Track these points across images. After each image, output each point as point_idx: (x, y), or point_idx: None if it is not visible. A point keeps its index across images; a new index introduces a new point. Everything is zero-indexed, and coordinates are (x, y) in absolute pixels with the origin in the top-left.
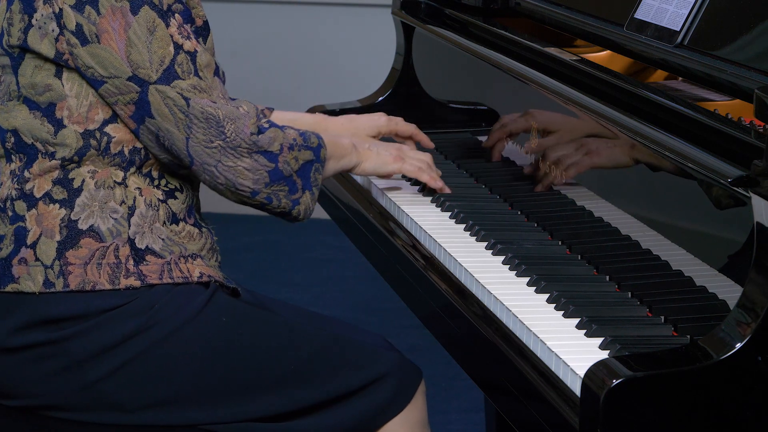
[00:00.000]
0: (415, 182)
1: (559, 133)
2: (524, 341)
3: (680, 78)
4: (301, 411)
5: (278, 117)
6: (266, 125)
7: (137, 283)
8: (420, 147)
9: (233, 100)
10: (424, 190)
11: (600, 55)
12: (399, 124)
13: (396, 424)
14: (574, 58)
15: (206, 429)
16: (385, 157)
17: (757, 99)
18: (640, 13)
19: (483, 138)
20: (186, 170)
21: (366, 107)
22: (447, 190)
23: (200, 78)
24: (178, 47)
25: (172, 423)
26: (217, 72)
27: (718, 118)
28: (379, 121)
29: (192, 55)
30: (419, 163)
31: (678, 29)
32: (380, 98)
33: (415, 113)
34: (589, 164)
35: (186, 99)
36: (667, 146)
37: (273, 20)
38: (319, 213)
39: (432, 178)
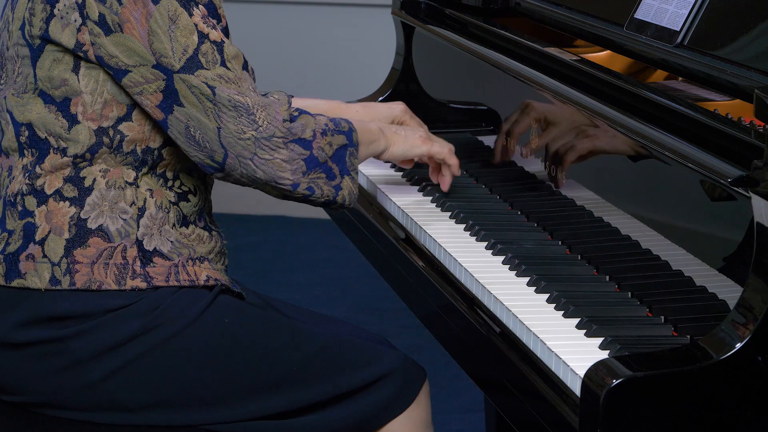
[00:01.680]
0: (415, 182)
1: (557, 124)
2: (524, 341)
3: (680, 78)
4: (304, 409)
5: (295, 103)
6: (296, 113)
7: (143, 285)
8: None
9: (264, 95)
10: (425, 189)
11: (600, 55)
12: (414, 118)
13: (399, 422)
14: (574, 58)
15: (208, 429)
16: (414, 139)
17: (757, 99)
18: (640, 13)
19: (483, 138)
20: (217, 171)
21: None
22: (458, 173)
23: (227, 68)
24: (203, 36)
25: (173, 423)
26: (245, 66)
27: (718, 118)
28: (396, 110)
29: (218, 45)
30: (447, 145)
31: (678, 29)
32: (380, 98)
33: (415, 113)
34: (589, 147)
35: (211, 87)
36: (667, 146)
37: (273, 20)
38: (319, 213)
39: (457, 164)
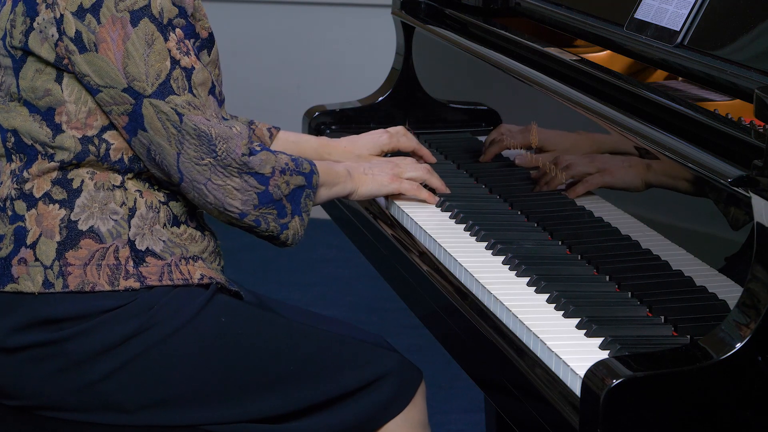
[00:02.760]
0: None
1: (571, 147)
2: (524, 341)
3: (680, 78)
4: (302, 411)
5: (283, 137)
6: (258, 148)
7: (136, 285)
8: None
9: (226, 120)
10: (425, 189)
11: (600, 55)
12: (401, 140)
13: (396, 424)
14: (574, 58)
15: (206, 429)
16: (382, 179)
17: (757, 99)
18: (640, 13)
19: (483, 138)
20: (175, 187)
21: (366, 107)
22: (447, 191)
23: (194, 95)
24: (174, 62)
25: (171, 423)
26: (212, 91)
27: (718, 118)
28: (381, 139)
29: (188, 72)
30: (417, 175)
31: (678, 29)
32: (380, 98)
33: (415, 113)
34: (600, 183)
35: (179, 114)
36: (667, 146)
37: (273, 20)
38: (319, 213)
39: (430, 195)
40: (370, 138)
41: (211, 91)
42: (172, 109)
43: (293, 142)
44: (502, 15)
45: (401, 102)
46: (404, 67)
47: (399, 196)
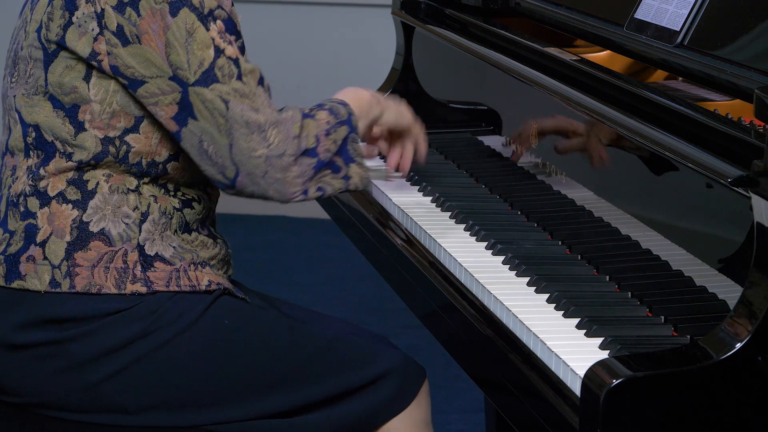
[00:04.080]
0: (415, 182)
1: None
2: (524, 341)
3: (680, 78)
4: (305, 408)
5: None
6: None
7: (143, 290)
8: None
9: (280, 110)
10: (425, 189)
11: (600, 55)
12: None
13: (399, 421)
14: (574, 58)
15: (208, 429)
16: (401, 110)
17: (757, 99)
18: (640, 13)
19: (483, 138)
20: (229, 189)
21: None
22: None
23: (243, 83)
24: (219, 51)
25: (173, 424)
26: (262, 82)
27: (718, 118)
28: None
29: (235, 60)
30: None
31: (678, 29)
32: None
33: (415, 113)
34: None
35: (225, 102)
36: (667, 146)
37: (273, 20)
38: (319, 213)
39: (421, 156)
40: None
41: (260, 82)
42: (218, 96)
43: None
44: (502, 15)
45: None
46: (404, 67)
47: (399, 195)
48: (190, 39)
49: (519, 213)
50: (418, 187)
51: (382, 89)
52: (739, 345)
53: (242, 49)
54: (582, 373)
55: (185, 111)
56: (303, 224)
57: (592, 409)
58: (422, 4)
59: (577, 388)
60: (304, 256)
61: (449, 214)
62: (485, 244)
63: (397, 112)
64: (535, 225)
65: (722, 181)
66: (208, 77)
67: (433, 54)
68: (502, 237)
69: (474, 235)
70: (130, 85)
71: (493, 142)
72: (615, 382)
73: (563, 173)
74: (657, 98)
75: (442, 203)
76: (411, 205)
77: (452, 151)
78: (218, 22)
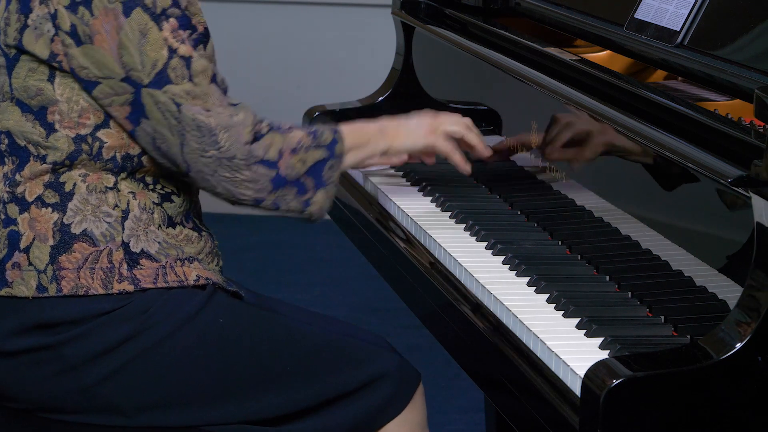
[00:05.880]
0: (415, 182)
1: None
2: (524, 341)
3: (680, 78)
4: (300, 412)
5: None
6: (265, 129)
7: (130, 288)
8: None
9: (233, 106)
10: (425, 190)
11: (600, 55)
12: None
13: (395, 425)
14: (574, 58)
15: (204, 430)
16: (417, 132)
17: (757, 99)
18: (640, 13)
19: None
20: (187, 178)
21: (366, 107)
22: (486, 153)
23: (194, 84)
24: (172, 51)
25: (170, 424)
26: (214, 79)
27: (718, 118)
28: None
29: (187, 60)
30: (455, 130)
31: (678, 29)
32: (380, 98)
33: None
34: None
35: (177, 104)
36: (667, 146)
37: (273, 20)
38: None
39: (463, 160)
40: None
41: (213, 80)
42: (170, 99)
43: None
44: (502, 15)
45: (401, 102)
46: (404, 67)
47: (399, 195)
48: (143, 40)
49: (519, 213)
50: (418, 188)
51: (382, 89)
52: (739, 345)
53: (205, 36)
54: (582, 373)
55: (138, 111)
56: (303, 224)
57: (592, 409)
58: (422, 4)
59: (577, 388)
60: (304, 256)
61: (449, 214)
62: (485, 244)
63: (413, 137)
64: (535, 225)
65: (722, 181)
66: (161, 78)
67: (433, 54)
68: (502, 237)
69: (474, 235)
70: (86, 86)
71: (493, 142)
72: (615, 382)
73: (563, 173)
74: (657, 98)
75: (442, 203)
76: (411, 206)
77: None
78: (171, 20)
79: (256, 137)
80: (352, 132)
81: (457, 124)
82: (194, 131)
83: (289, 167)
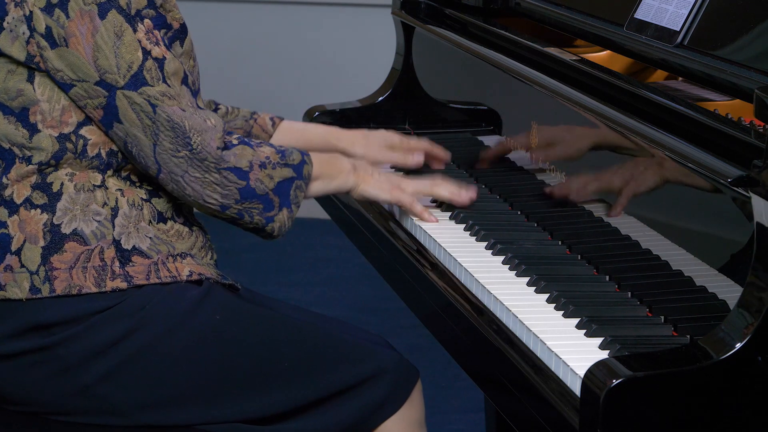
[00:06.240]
0: None
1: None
2: (524, 341)
3: (680, 78)
4: (298, 409)
5: (288, 126)
6: (235, 141)
7: (123, 285)
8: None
9: (201, 110)
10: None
11: (600, 55)
12: (411, 140)
13: (393, 422)
14: (574, 58)
15: (202, 429)
16: (383, 185)
17: (757, 99)
18: (640, 13)
19: (483, 138)
20: (156, 179)
21: (366, 107)
22: (460, 199)
23: (168, 85)
24: (146, 53)
25: (168, 423)
26: (185, 81)
27: (718, 118)
28: (393, 137)
29: (160, 62)
30: (418, 189)
31: (678, 29)
32: (380, 98)
33: (415, 113)
34: (630, 194)
35: (153, 105)
36: (667, 146)
37: (273, 20)
38: (319, 213)
39: (424, 211)
40: (383, 133)
41: (184, 81)
42: (146, 100)
43: (299, 130)
44: (502, 15)
45: (401, 102)
46: (404, 67)
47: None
48: (118, 42)
49: (519, 213)
50: None
51: (382, 89)
52: (739, 345)
53: (175, 37)
54: (582, 373)
55: (110, 115)
56: (303, 224)
57: (592, 409)
58: (422, 4)
59: (577, 388)
60: (304, 256)
61: (449, 214)
62: (485, 244)
63: (376, 189)
64: (535, 225)
65: (722, 181)
66: (137, 80)
67: (433, 54)
68: (502, 237)
69: (474, 235)
70: (62, 88)
71: (493, 142)
72: (615, 382)
73: (563, 173)
74: (657, 98)
75: (442, 203)
76: None
77: (452, 151)
78: (145, 21)
79: (227, 146)
80: (323, 161)
81: (419, 185)
82: (168, 131)
83: (258, 180)
